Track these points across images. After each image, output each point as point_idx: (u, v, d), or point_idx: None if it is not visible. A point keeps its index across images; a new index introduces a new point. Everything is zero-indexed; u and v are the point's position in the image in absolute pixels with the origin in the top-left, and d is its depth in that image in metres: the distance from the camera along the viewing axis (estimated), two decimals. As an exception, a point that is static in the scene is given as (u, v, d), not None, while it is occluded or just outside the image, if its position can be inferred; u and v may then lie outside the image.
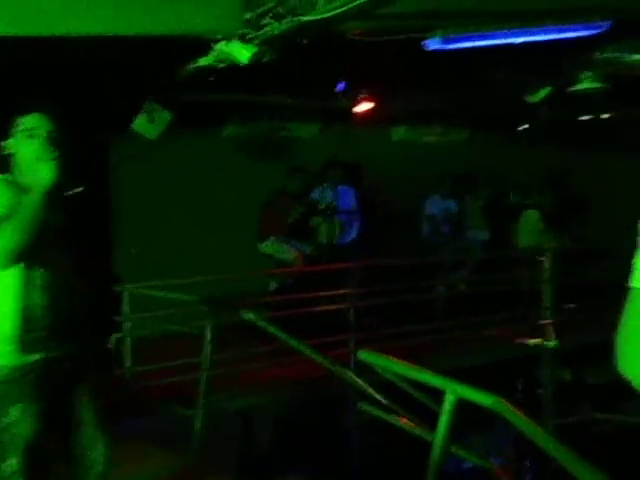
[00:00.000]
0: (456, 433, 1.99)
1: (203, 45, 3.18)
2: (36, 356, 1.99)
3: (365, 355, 2.47)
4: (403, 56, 4.05)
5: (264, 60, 2.99)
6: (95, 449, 2.18)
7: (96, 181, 5.32)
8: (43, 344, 2.01)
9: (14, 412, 1.95)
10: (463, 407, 1.94)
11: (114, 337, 4.26)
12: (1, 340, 1.97)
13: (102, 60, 3.52)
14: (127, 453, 3.54)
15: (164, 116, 4.29)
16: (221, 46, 2.98)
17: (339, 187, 6.28)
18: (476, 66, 4.66)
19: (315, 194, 6.21)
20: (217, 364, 3.75)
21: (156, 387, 4.16)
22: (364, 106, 5.39)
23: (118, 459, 3.49)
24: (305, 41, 2.94)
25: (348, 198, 6.30)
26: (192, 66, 3.43)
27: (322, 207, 6.03)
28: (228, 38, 2.96)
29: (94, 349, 2.26)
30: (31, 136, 2.06)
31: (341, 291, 5.37)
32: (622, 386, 1.13)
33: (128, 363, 4.45)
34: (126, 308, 4.43)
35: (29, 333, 1.98)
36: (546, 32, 3.79)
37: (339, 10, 2.60)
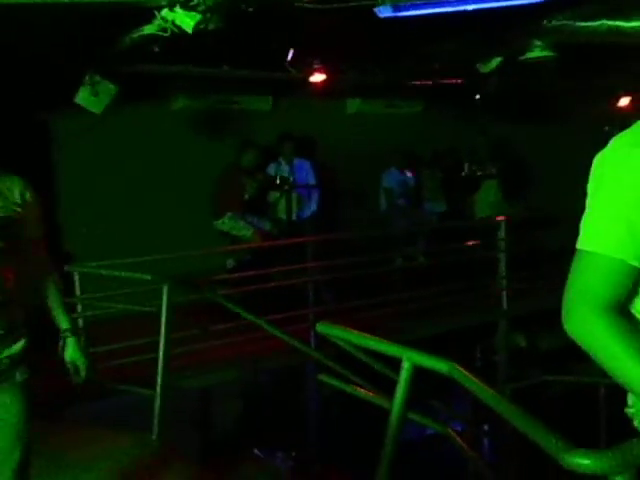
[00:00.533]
0: (416, 400, 2.00)
1: (146, 13, 3.04)
2: None
3: (323, 327, 2.46)
4: (354, 25, 3.98)
5: (209, 28, 2.88)
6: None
7: (36, 159, 5.09)
8: None
9: None
10: (423, 375, 1.95)
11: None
12: None
13: (39, 29, 3.33)
14: (86, 436, 3.48)
15: (109, 89, 4.11)
16: (164, 14, 2.86)
17: (295, 161, 6.22)
18: (428, 36, 4.63)
19: (270, 169, 6.13)
20: (175, 343, 3.69)
21: (112, 369, 4.07)
22: (317, 77, 5.30)
23: (77, 443, 3.43)
24: (251, 8, 2.84)
25: (304, 172, 6.25)
26: (135, 35, 3.28)
27: (278, 182, 5.97)
28: (171, 5, 2.83)
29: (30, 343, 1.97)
30: None
31: (299, 266, 5.35)
32: (573, 349, 1.15)
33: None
34: (77, 289, 4.30)
35: None
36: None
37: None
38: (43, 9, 2.72)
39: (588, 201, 1.14)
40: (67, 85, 4.16)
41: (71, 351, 2.10)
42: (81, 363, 2.11)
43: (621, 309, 1.11)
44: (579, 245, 1.13)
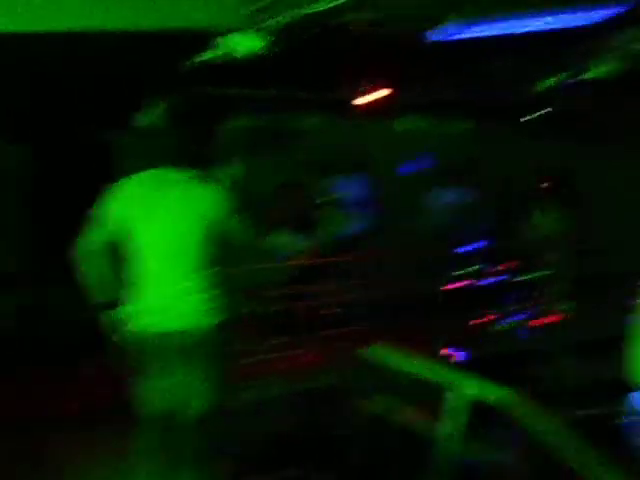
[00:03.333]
0: (465, 427, 1.97)
1: (206, 39, 3.15)
2: None
3: (370, 350, 2.46)
4: (406, 47, 4.01)
5: (267, 53, 2.97)
6: None
7: (98, 179, 5.29)
8: None
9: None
10: (474, 400, 1.92)
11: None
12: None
13: (104, 56, 3.50)
14: (130, 445, 3.55)
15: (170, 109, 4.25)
16: (224, 40, 2.96)
17: (344, 178, 6.25)
18: (481, 55, 4.61)
19: (320, 186, 6.18)
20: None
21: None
22: (368, 97, 5.35)
23: (122, 452, 3.49)
24: (306, 33, 2.91)
25: (352, 190, 6.28)
26: (196, 60, 3.41)
27: (326, 199, 6.00)
28: (230, 32, 2.93)
29: None
30: None
31: (345, 284, 5.35)
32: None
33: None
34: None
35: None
36: (551, 22, 3.73)
37: (340, 2, 2.56)
38: (110, 36, 2.86)
39: None
40: (130, 107, 4.33)
41: None
42: None
43: None
44: None
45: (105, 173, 5.41)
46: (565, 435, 1.45)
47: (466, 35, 3.71)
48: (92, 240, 2.51)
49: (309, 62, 4.06)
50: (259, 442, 4.78)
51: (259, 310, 4.50)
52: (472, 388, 1.87)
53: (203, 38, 3.09)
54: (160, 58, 3.61)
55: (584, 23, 3.63)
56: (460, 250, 6.78)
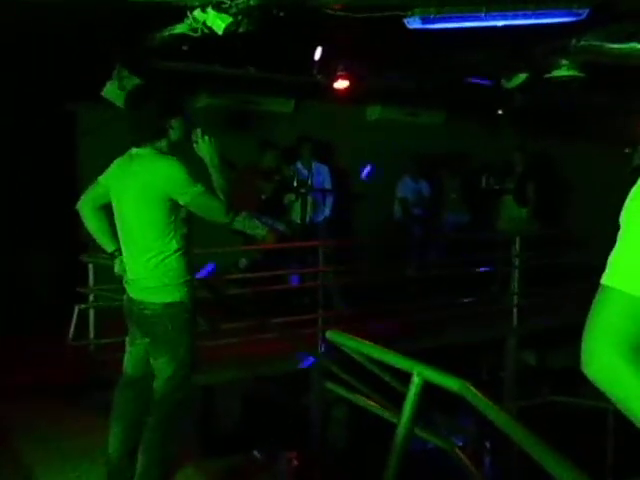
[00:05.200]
0: (421, 413, 2.00)
1: (178, 12, 3.07)
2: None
3: (333, 335, 2.46)
4: (381, 34, 3.99)
5: (239, 31, 2.91)
6: None
7: (62, 149, 5.17)
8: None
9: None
10: (430, 388, 1.95)
11: (77, 308, 4.18)
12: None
13: (73, 24, 3.38)
14: (94, 425, 3.51)
15: (134, 83, 4.16)
16: (196, 14, 2.89)
17: (313, 164, 6.22)
18: (454, 48, 4.63)
19: (288, 171, 6.13)
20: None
21: (120, 360, 4.10)
22: (340, 83, 5.32)
23: (85, 431, 3.46)
24: (281, 13, 2.86)
25: (321, 175, 6.25)
26: (166, 33, 3.32)
27: (295, 184, 5.96)
28: (203, 6, 2.86)
29: None
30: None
31: (311, 269, 5.36)
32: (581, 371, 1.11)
33: (92, 335, 4.38)
34: (91, 279, 4.34)
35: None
36: (525, 17, 3.77)
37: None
38: (78, 5, 2.76)
39: (620, 235, 1.04)
40: (96, 78, 4.22)
41: None
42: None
43: None
44: (605, 281, 1.03)
45: (68, 143, 5.30)
46: (515, 424, 1.48)
47: (442, 26, 3.71)
48: (87, 198, 2.76)
49: (282, 43, 4.00)
50: (228, 422, 4.79)
51: (222, 293, 4.47)
52: (429, 375, 1.89)
53: (175, 11, 3.02)
54: (129, 29, 3.51)
55: (553, 22, 3.67)
56: (426, 239, 6.87)
